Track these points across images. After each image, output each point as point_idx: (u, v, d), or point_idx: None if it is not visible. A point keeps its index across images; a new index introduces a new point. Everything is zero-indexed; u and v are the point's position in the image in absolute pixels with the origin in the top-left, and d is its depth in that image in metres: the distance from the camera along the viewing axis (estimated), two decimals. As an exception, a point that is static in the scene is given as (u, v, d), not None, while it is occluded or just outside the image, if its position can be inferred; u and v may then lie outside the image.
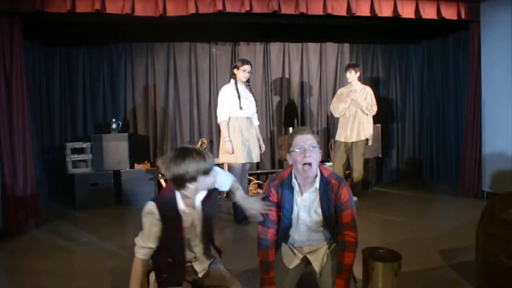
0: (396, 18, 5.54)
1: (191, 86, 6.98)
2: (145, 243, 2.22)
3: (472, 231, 2.96)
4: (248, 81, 5.07)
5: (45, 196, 6.24)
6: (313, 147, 2.35)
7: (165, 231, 2.22)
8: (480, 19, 5.78)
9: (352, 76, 5.90)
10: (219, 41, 7.07)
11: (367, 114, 5.84)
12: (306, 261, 2.60)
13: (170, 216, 2.21)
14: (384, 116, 7.76)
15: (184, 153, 2.16)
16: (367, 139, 5.90)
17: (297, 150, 2.34)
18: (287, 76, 7.28)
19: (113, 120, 6.31)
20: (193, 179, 2.16)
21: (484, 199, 5.73)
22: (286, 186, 2.45)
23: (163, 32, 6.53)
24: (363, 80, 7.74)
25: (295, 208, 2.47)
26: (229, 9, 5.04)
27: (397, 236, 4.38)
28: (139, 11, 4.87)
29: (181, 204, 2.25)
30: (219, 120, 4.90)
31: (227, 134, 4.80)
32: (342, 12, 5.34)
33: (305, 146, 2.34)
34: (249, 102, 4.96)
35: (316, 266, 2.53)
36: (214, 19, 5.41)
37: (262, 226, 2.46)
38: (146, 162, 6.37)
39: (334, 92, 7.29)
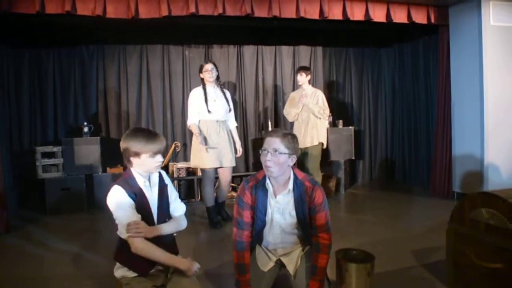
0: (368, 21, 5.60)
1: (164, 89, 6.91)
2: (132, 219, 2.18)
3: (443, 231, 3.01)
4: (218, 79, 5.01)
5: (14, 202, 6.08)
6: (275, 150, 2.33)
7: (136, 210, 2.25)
8: (449, 23, 5.92)
9: (303, 79, 5.77)
10: (193, 44, 7.02)
11: (319, 118, 5.73)
12: (280, 264, 2.60)
13: (135, 192, 2.26)
14: (356, 119, 7.87)
15: (135, 131, 2.33)
16: (321, 143, 5.79)
17: (261, 152, 2.38)
18: (260, 79, 7.28)
19: (85, 123, 6.18)
20: (136, 154, 2.25)
21: (454, 200, 5.84)
22: (260, 188, 2.45)
23: (136, 34, 6.45)
24: (341, 83, 7.84)
25: (269, 210, 2.47)
26: (202, 11, 5.01)
27: (370, 236, 4.42)
28: (111, 12, 4.78)
29: (140, 180, 2.32)
30: (188, 124, 4.92)
31: (197, 130, 4.76)
32: (315, 15, 5.37)
33: (268, 149, 2.35)
34: (219, 105, 4.87)
35: (290, 268, 2.53)
36: (187, 21, 5.38)
37: (237, 229, 2.45)
38: (118, 166, 6.25)
39: (308, 95, 7.35)
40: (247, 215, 2.45)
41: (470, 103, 5.66)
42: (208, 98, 4.82)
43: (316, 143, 5.68)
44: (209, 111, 4.77)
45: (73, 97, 6.67)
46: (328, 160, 6.69)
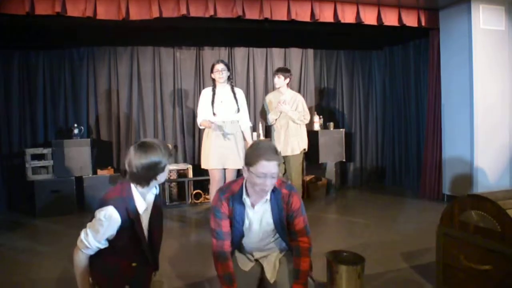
0: (359, 24, 5.62)
1: (155, 90, 6.88)
2: (98, 243, 2.13)
3: (432, 233, 3.03)
4: (229, 79, 4.86)
5: (3, 204, 6.02)
6: (273, 177, 2.27)
7: (123, 234, 2.15)
8: (439, 26, 5.97)
9: (281, 81, 5.37)
10: (184, 46, 7.00)
11: (299, 125, 5.41)
12: (260, 265, 2.57)
13: (130, 218, 2.15)
14: (347, 121, 7.89)
15: (152, 144, 2.18)
16: (304, 149, 5.46)
17: (257, 177, 2.24)
18: (251, 81, 7.28)
19: (75, 125, 6.14)
20: (162, 169, 2.18)
21: (444, 202, 5.88)
22: (237, 200, 2.39)
23: (126, 36, 6.40)
24: (332, 85, 7.85)
25: (246, 221, 2.44)
26: (193, 13, 4.99)
27: (360, 239, 4.44)
28: (101, 14, 4.75)
29: (139, 204, 2.21)
30: (198, 123, 4.87)
31: (207, 122, 4.68)
32: (306, 18, 5.38)
33: (267, 175, 2.24)
34: (226, 106, 4.74)
35: (269, 270, 2.50)
36: (178, 23, 5.36)
37: (216, 240, 2.37)
38: (109, 168, 6.22)
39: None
40: (225, 225, 2.39)
41: (460, 106, 5.70)
42: (215, 99, 4.72)
43: (297, 152, 5.35)
44: (214, 114, 4.67)
45: (63, 99, 6.61)
46: (319, 162, 6.70)
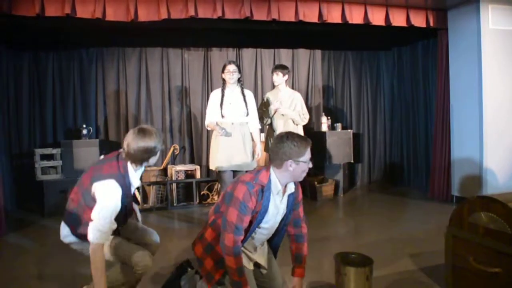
0: (366, 25, 5.60)
1: (163, 91, 6.90)
2: (111, 227, 2.41)
3: (441, 235, 3.01)
4: (240, 81, 4.80)
5: (12, 203, 6.07)
6: None
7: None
8: (448, 26, 5.93)
9: (280, 79, 5.28)
10: (192, 47, 7.02)
11: (297, 125, 5.30)
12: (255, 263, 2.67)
13: (126, 193, 2.50)
14: (355, 122, 7.87)
15: (150, 131, 2.51)
16: None
17: (306, 162, 2.43)
18: (259, 82, 7.27)
19: (84, 126, 6.17)
20: (155, 153, 2.53)
21: (454, 203, 5.83)
22: (266, 193, 2.40)
23: (135, 37, 6.43)
24: (340, 86, 7.83)
25: (268, 214, 2.45)
26: (201, 14, 5.00)
27: (369, 240, 4.41)
28: (110, 15, 4.77)
29: (134, 180, 2.57)
30: (205, 124, 4.84)
31: (214, 124, 4.62)
32: (314, 18, 5.37)
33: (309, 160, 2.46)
34: (235, 108, 4.66)
35: (262, 260, 2.66)
36: (186, 24, 5.37)
37: (235, 235, 2.34)
38: (117, 168, 6.24)
39: (307, 98, 7.35)
40: (247, 220, 2.39)
41: (469, 107, 5.66)
42: (224, 101, 4.65)
43: None
44: (222, 116, 4.61)
45: (72, 99, 6.66)
46: (327, 163, 6.68)
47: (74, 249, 2.71)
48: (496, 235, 2.52)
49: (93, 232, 2.34)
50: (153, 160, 2.55)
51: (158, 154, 2.56)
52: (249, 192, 2.35)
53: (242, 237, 2.37)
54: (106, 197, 2.39)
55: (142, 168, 2.67)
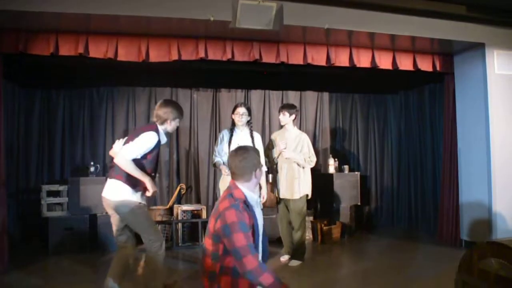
0: (374, 69, 5.67)
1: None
2: (138, 153, 3.39)
3: (451, 281, 2.94)
4: (249, 123, 4.85)
5: (16, 239, 6.03)
6: None
7: (153, 151, 3.50)
8: (454, 71, 5.99)
9: (286, 118, 5.18)
10: (201, 87, 7.12)
11: (303, 168, 5.16)
12: None
13: (158, 144, 3.53)
14: (363, 164, 7.85)
15: (175, 103, 3.94)
16: (306, 195, 5.18)
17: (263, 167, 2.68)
18: (267, 123, 7.33)
19: (92, 163, 6.20)
20: (174, 119, 3.64)
21: (463, 248, 5.70)
22: (249, 205, 2.56)
23: (145, 77, 6.54)
24: (347, 128, 7.86)
25: (260, 223, 2.64)
26: (211, 56, 5.08)
27: (375, 286, 4.31)
28: (122, 56, 4.87)
29: (162, 137, 3.62)
30: (212, 160, 4.90)
31: (220, 163, 4.69)
32: (322, 62, 5.43)
33: None
34: None
35: None
36: (196, 65, 5.47)
37: (253, 255, 2.33)
38: (123, 206, 6.20)
39: (314, 139, 7.37)
40: (251, 236, 2.41)
41: (477, 150, 5.64)
42: (233, 141, 4.71)
43: (297, 197, 5.05)
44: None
45: (82, 137, 6.74)
46: (333, 206, 6.62)
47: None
48: (508, 283, 2.45)
49: (119, 155, 3.37)
50: (169, 126, 3.64)
51: (174, 122, 3.65)
52: (239, 211, 2.40)
53: (257, 254, 2.39)
54: (143, 137, 3.41)
55: (164, 137, 3.70)
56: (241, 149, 2.66)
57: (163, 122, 3.59)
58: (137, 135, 3.45)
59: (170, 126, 3.64)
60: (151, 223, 3.56)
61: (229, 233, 2.34)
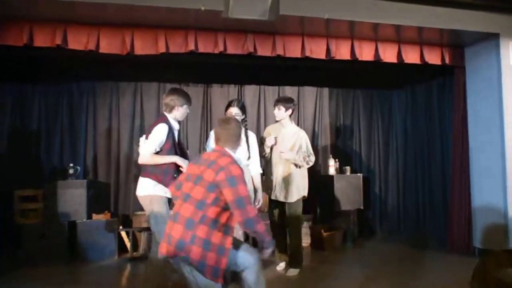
0: (377, 62, 5.66)
1: (159, 129, 6.91)
2: (154, 147, 3.76)
3: (464, 292, 2.93)
4: (243, 122, 4.76)
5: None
6: None
7: (168, 139, 3.84)
8: (465, 64, 5.98)
9: (281, 114, 5.12)
10: (191, 83, 7.09)
11: (300, 167, 5.11)
12: None
13: (171, 130, 3.89)
14: (365, 165, 7.85)
15: (183, 91, 4.27)
16: (303, 196, 5.12)
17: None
18: (262, 120, 7.31)
19: (71, 165, 6.12)
20: (182, 105, 3.99)
21: (476, 256, 5.66)
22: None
23: (130, 71, 6.49)
24: (349, 126, 7.85)
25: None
26: (202, 49, 5.06)
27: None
28: (104, 48, 4.82)
29: (174, 124, 3.98)
30: None
31: None
32: (321, 55, 5.41)
33: None
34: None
35: None
36: (186, 58, 5.44)
37: (252, 205, 2.84)
38: (106, 212, 6.10)
39: (313, 138, 7.35)
40: None
41: (490, 149, 5.62)
42: None
43: (294, 200, 5.03)
44: None
45: (59, 137, 6.67)
46: (335, 210, 6.62)
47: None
48: (526, 293, 2.45)
49: (140, 157, 3.84)
50: (178, 114, 4.02)
51: (182, 109, 4.01)
52: (237, 165, 2.89)
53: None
54: (154, 132, 3.79)
55: (176, 124, 4.06)
56: (222, 122, 3.19)
57: (171, 109, 3.96)
58: (150, 131, 3.86)
59: (179, 112, 3.99)
60: (165, 220, 3.63)
61: (235, 183, 2.75)
